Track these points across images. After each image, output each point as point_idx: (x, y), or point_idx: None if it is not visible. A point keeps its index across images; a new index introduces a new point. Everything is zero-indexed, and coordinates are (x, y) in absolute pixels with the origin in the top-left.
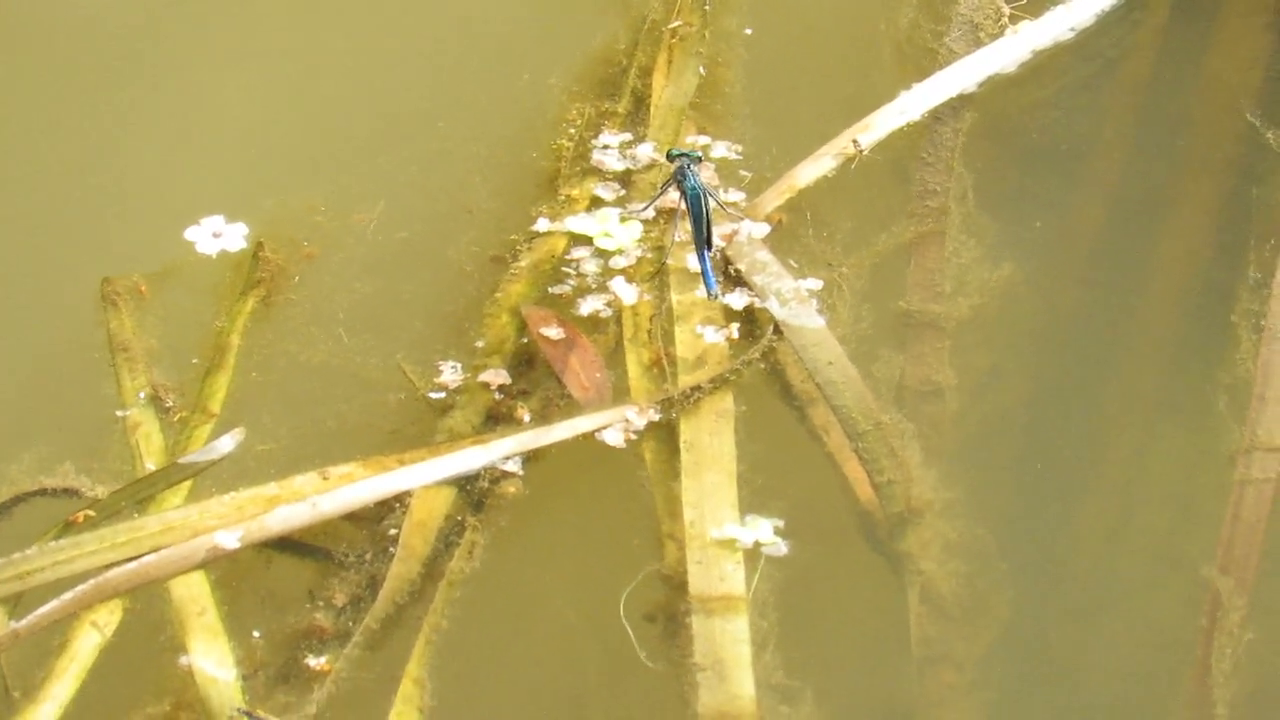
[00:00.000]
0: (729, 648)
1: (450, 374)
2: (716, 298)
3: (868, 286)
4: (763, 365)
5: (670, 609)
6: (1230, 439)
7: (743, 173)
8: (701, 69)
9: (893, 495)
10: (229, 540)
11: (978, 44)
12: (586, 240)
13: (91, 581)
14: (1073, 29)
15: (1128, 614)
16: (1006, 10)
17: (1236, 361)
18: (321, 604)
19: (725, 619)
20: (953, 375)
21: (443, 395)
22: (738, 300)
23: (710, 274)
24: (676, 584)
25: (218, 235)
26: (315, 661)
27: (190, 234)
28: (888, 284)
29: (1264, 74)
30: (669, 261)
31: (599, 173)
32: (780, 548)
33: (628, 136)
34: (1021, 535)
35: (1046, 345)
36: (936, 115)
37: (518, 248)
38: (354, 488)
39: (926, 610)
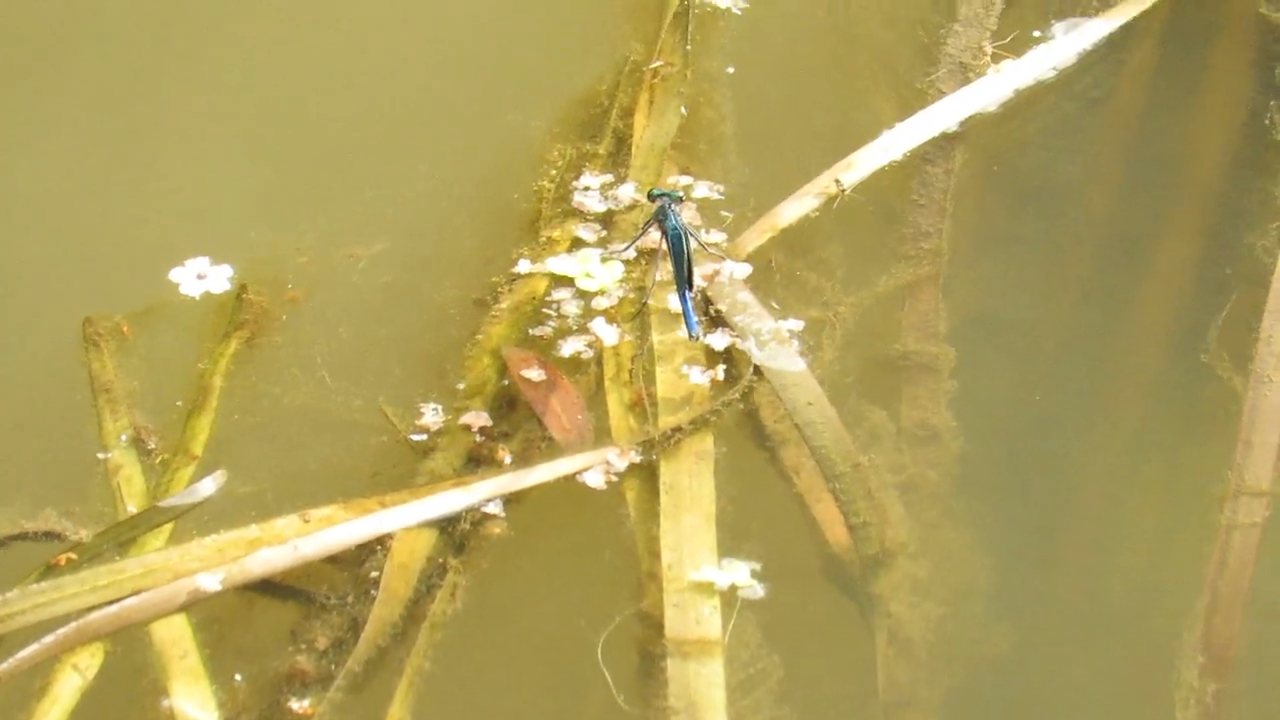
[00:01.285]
0: (703, 691)
1: (431, 416)
2: (697, 339)
3: (858, 329)
4: (742, 406)
5: (648, 650)
6: (1216, 482)
7: (724, 213)
8: (683, 109)
9: (867, 537)
10: (210, 583)
11: (964, 83)
12: (568, 281)
13: (73, 624)
14: (1054, 68)
15: (1105, 661)
16: (989, 49)
17: (1222, 404)
18: (304, 646)
19: (701, 662)
20: (950, 418)
21: (424, 437)
22: (719, 341)
23: (691, 315)
24: (655, 625)
25: (202, 276)
26: (298, 705)
27: (174, 275)
28: (879, 326)
29: (1248, 113)
30: (650, 302)
31: (580, 214)
32: (757, 590)
33: (609, 177)
34: (1001, 574)
35: (1031, 384)
36: (926, 156)
37: (499, 289)
38: (335, 530)
39: (894, 653)
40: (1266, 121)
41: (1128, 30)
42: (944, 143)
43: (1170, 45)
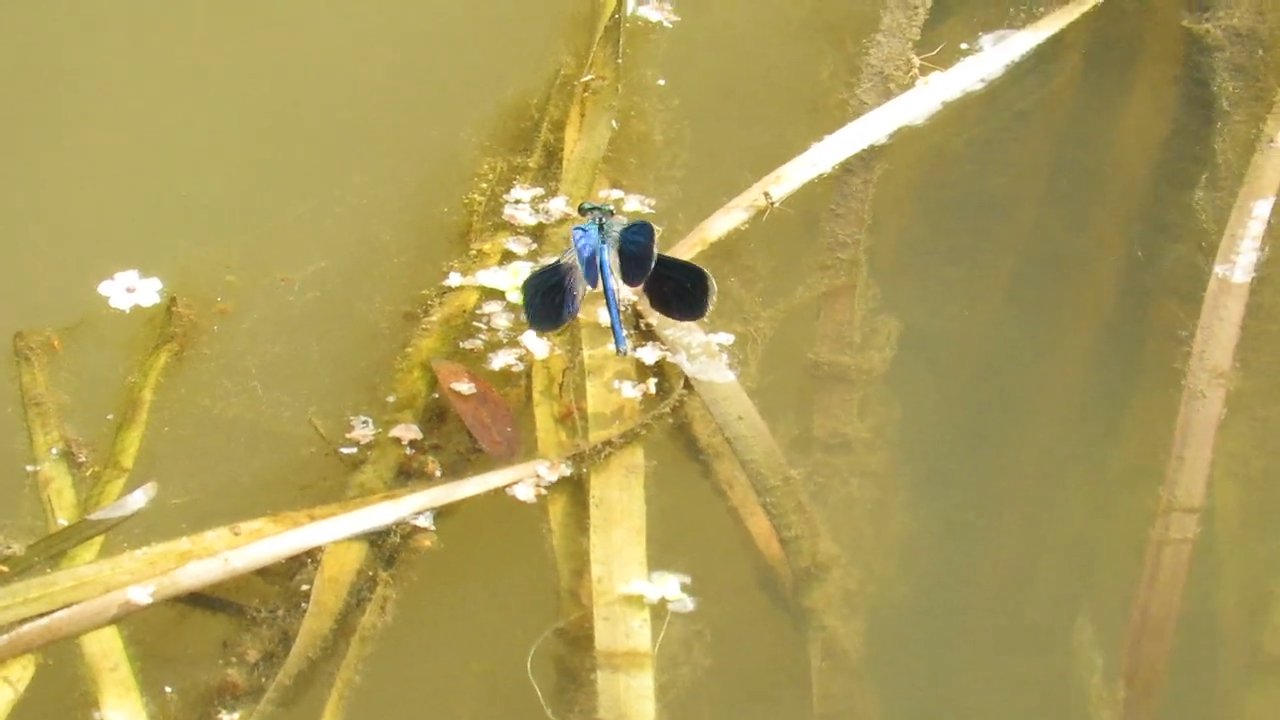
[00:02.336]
0: (633, 703)
1: (362, 429)
2: (626, 354)
3: (779, 340)
4: (675, 420)
5: (576, 664)
6: (1144, 498)
7: (656, 226)
8: (614, 122)
9: (799, 550)
10: (141, 595)
11: (888, 95)
12: (498, 294)
13: (4, 636)
14: (982, 80)
15: (1034, 673)
16: (916, 62)
17: (1148, 418)
18: (234, 659)
19: (630, 675)
20: (863, 428)
21: (354, 450)
22: (649, 355)
23: (620, 329)
24: (582, 640)
25: (131, 290)
26: (228, 717)
27: (104, 288)
28: (800, 337)
29: (1171, 124)
30: (580, 316)
31: (511, 227)
32: (687, 604)
33: (540, 190)
34: (927, 587)
35: (955, 397)
36: (847, 167)
37: (429, 302)
38: (265, 543)
39: (828, 666)
40: (1189, 133)
41: (1055, 42)
42: (866, 154)
43: (1096, 57)
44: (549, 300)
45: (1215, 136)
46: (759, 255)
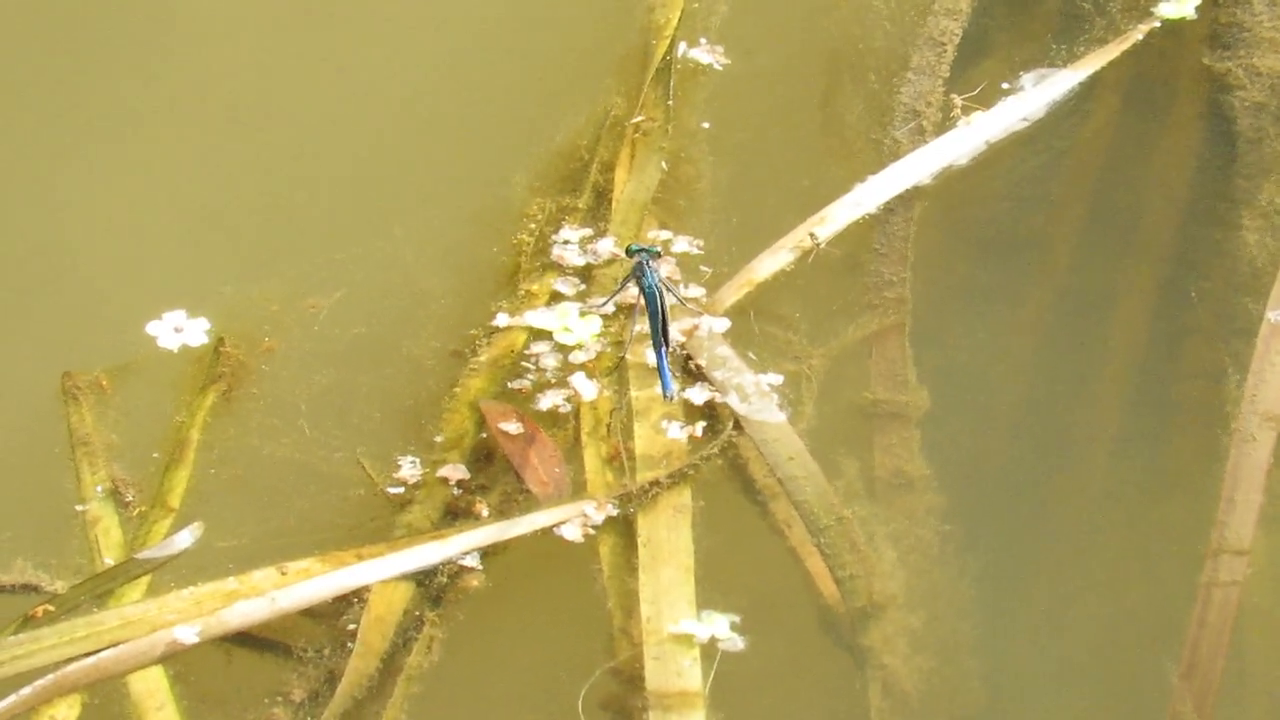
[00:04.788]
0: None
1: (409, 469)
2: (672, 399)
3: (831, 380)
4: (722, 460)
5: (627, 704)
6: (1191, 538)
7: (703, 268)
8: (664, 164)
9: (855, 590)
10: (188, 635)
11: (920, 133)
12: (546, 335)
13: (50, 676)
14: (1025, 119)
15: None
16: (959, 101)
17: (1192, 456)
18: (280, 699)
19: (681, 715)
20: (924, 465)
21: (401, 490)
22: (698, 395)
23: (667, 374)
24: (632, 679)
25: (179, 330)
26: None
27: (152, 328)
28: (851, 376)
29: (1196, 163)
30: (628, 357)
31: (559, 267)
32: (737, 643)
33: (589, 231)
34: (979, 629)
35: (996, 436)
36: (889, 206)
37: (477, 342)
38: (312, 583)
39: (889, 705)
40: (1214, 171)
41: (1093, 81)
42: (907, 194)
43: (1131, 96)
44: None
45: (1254, 175)
46: (804, 295)
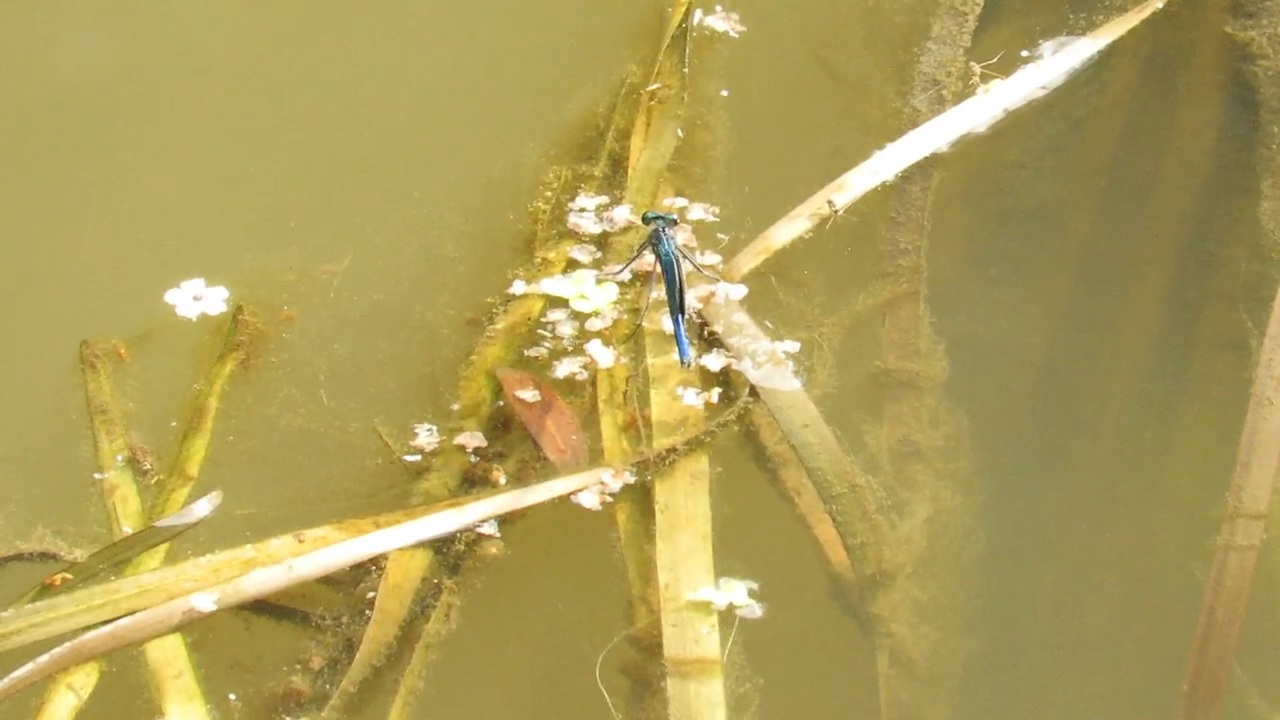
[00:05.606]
0: (704, 711)
1: (426, 437)
2: (689, 366)
3: (845, 347)
4: (738, 428)
5: (645, 671)
6: (1208, 503)
7: (720, 235)
8: (680, 131)
9: (865, 558)
10: (205, 603)
11: (940, 101)
12: (562, 303)
13: (68, 644)
14: (1044, 87)
15: (1100, 680)
16: (978, 69)
17: (1209, 424)
18: (298, 667)
19: (700, 682)
20: (935, 435)
21: (418, 458)
22: (714, 362)
23: (684, 341)
24: (650, 647)
25: (198, 298)
26: None
27: (170, 297)
28: (865, 344)
29: (1217, 133)
30: (644, 324)
31: (575, 235)
32: (755, 610)
33: (605, 199)
34: (993, 594)
35: (1016, 404)
36: (905, 175)
37: (493, 310)
38: (330, 551)
39: (896, 673)
40: (1236, 140)
41: (1111, 49)
42: (925, 162)
43: (1150, 64)
44: None
45: (1276, 144)
46: (820, 263)
